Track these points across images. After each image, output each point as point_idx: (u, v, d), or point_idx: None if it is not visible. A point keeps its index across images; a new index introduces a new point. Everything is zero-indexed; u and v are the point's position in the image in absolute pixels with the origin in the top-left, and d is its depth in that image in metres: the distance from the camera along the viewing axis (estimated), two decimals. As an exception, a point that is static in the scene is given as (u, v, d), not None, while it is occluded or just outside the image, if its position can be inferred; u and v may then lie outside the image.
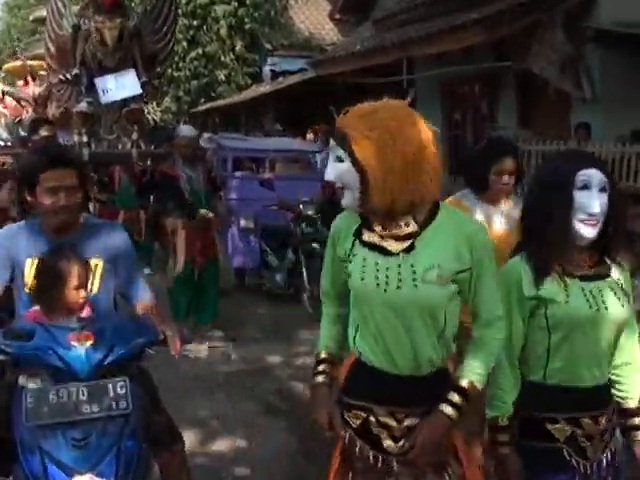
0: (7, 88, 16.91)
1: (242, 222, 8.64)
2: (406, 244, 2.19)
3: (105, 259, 3.07)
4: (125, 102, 7.96)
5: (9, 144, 13.41)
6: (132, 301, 3.24)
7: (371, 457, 2.31)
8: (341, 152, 2.18)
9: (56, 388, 2.44)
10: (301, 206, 8.27)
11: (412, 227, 2.20)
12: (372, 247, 2.23)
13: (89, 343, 2.50)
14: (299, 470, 4.42)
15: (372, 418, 2.31)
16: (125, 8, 8.32)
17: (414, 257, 2.17)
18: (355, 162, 2.13)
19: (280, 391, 5.81)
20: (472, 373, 2.24)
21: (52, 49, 8.47)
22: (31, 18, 14.35)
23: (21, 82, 15.49)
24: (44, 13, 11.69)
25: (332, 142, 2.27)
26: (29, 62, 14.51)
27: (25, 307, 2.94)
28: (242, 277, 9.03)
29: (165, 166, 7.18)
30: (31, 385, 2.50)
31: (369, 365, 2.30)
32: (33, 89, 12.42)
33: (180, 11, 12.48)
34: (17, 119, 14.92)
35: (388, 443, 2.29)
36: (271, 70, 18.48)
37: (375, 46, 11.58)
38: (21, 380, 2.53)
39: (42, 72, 12.87)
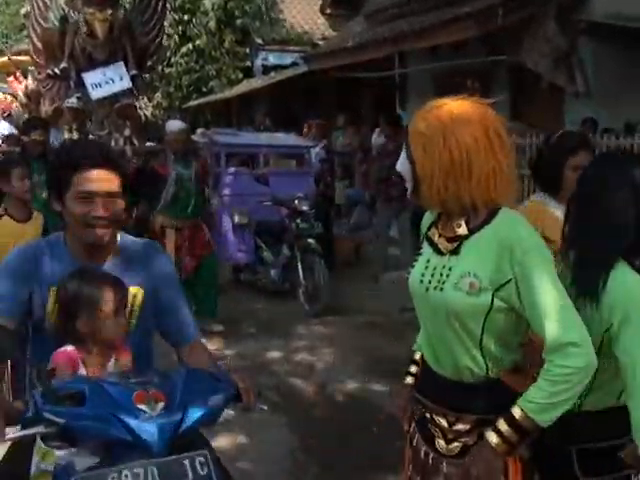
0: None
1: (236, 218, 8.62)
2: (454, 246, 2.16)
3: (146, 289, 2.43)
4: (116, 97, 7.81)
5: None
6: (180, 341, 2.53)
7: (422, 453, 2.31)
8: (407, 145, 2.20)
9: (117, 469, 1.80)
10: (296, 202, 8.26)
11: (462, 230, 2.15)
12: (431, 243, 2.24)
13: (160, 406, 1.90)
14: (299, 465, 4.45)
15: (428, 415, 2.29)
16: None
17: (456, 261, 2.13)
18: (409, 155, 2.16)
19: (278, 387, 5.80)
20: (528, 402, 2.01)
21: (38, 43, 8.27)
22: (22, 12, 14.12)
23: (11, 78, 15.43)
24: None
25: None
26: (15, 57, 14.44)
27: (45, 346, 2.29)
28: (237, 273, 9.02)
29: (156, 164, 7.14)
30: (79, 465, 1.84)
31: (426, 363, 2.31)
32: (26, 85, 12.32)
33: (169, 5, 12.35)
34: (6, 114, 14.87)
35: (440, 443, 2.26)
36: (262, 65, 18.44)
37: (367, 41, 11.56)
38: (60, 454, 1.90)
39: (32, 68, 12.83)
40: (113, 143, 7.77)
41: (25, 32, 34.17)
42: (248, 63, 18.74)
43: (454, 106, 2.14)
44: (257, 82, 17.46)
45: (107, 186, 2.29)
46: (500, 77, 10.55)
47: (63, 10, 7.91)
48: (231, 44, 18.43)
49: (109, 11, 7.63)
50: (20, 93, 14.43)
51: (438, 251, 2.19)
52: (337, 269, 9.02)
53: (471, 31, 9.16)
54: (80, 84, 7.78)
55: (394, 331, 7.24)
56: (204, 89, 18.79)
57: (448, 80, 11.57)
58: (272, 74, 17.61)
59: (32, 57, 8.66)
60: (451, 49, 10.42)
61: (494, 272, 2.05)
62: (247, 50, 18.69)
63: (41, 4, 8.04)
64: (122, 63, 7.73)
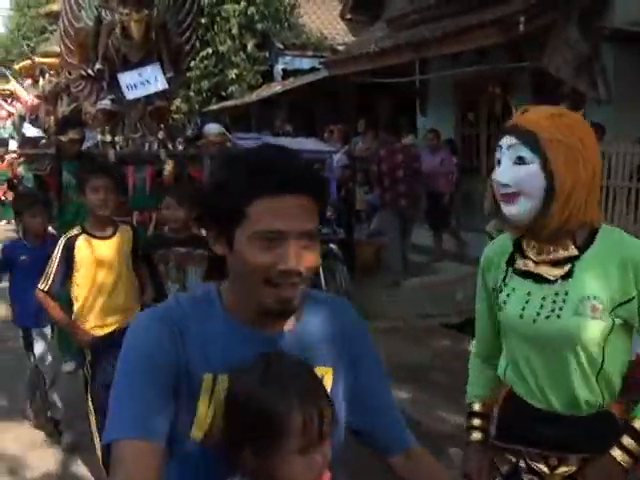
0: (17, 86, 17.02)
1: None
2: (564, 270, 2.00)
3: (337, 369, 1.61)
4: (150, 99, 7.55)
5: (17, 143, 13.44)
6: (391, 446, 1.69)
7: None
8: (526, 153, 1.93)
9: None
10: (317, 206, 8.28)
11: (571, 251, 2.00)
12: (526, 275, 2.05)
13: None
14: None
15: (522, 464, 2.10)
16: None
17: (571, 284, 1.98)
18: (545, 166, 1.91)
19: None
20: None
21: (69, 44, 7.96)
22: (42, 12, 14.16)
23: (29, 81, 15.56)
24: (55, 7, 11.55)
25: (510, 140, 1.98)
26: (40, 60, 14.50)
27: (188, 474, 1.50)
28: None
29: (192, 169, 7.05)
30: None
31: (521, 400, 2.11)
32: (42, 85, 12.41)
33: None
34: (33, 116, 14.97)
35: None
36: (282, 69, 18.49)
37: (389, 46, 11.58)
38: None
39: (51, 70, 12.91)
40: (147, 146, 7.63)
41: (46, 34, 34.54)
42: (268, 68, 18.78)
43: (576, 116, 2.02)
44: (277, 87, 17.51)
45: (303, 222, 1.44)
46: (521, 83, 10.53)
47: (97, 10, 7.63)
48: (251, 49, 18.50)
49: (145, 11, 7.35)
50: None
51: (542, 280, 2.02)
52: (357, 274, 9.05)
53: (494, 38, 9.17)
54: (114, 86, 7.55)
55: (414, 337, 7.28)
56: (224, 93, 18.87)
57: (469, 86, 11.61)
58: (292, 79, 17.65)
59: (63, 58, 8.32)
60: (473, 55, 10.42)
61: (616, 292, 1.94)
62: (267, 55, 18.75)
63: (74, 4, 7.75)
64: (158, 64, 7.47)
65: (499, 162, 2.02)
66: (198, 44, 18.43)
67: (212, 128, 7.15)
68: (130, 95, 7.39)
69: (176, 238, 4.47)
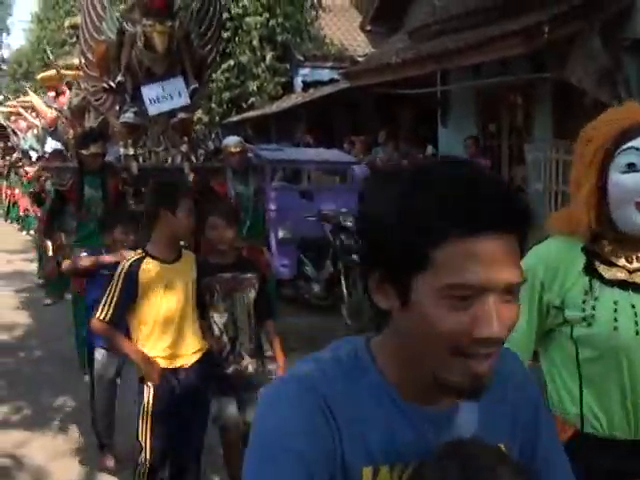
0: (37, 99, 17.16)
1: (280, 233, 8.69)
2: None
3: (510, 447, 1.26)
4: (173, 111, 7.42)
5: (46, 156, 13.51)
6: None
7: None
8: None
9: None
10: (340, 217, 8.31)
11: None
12: (621, 285, 1.86)
13: None
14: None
15: None
16: (175, 10, 7.52)
17: None
18: None
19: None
20: None
21: (90, 56, 7.80)
22: (66, 24, 14.14)
23: (52, 93, 15.65)
24: (80, 20, 11.54)
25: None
26: (64, 71, 14.55)
27: None
28: (280, 288, 9.06)
29: (215, 182, 6.96)
30: None
31: (598, 437, 1.89)
32: (69, 99, 12.42)
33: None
34: (52, 129, 15.08)
35: None
36: (302, 81, 18.56)
37: (411, 58, 11.57)
38: None
39: (76, 82, 12.96)
40: (170, 159, 7.52)
41: (67, 47, 34.81)
42: (288, 79, 18.85)
43: None
44: (297, 98, 17.57)
45: (510, 272, 1.05)
46: (543, 93, 10.49)
47: (119, 22, 7.49)
48: (272, 61, 18.59)
49: (168, 23, 7.16)
50: (65, 108, 14.56)
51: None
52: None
53: (518, 48, 9.13)
54: (136, 98, 7.41)
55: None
56: (244, 105, 18.95)
57: (491, 96, 11.59)
58: (312, 90, 17.72)
59: (83, 70, 8.16)
60: (494, 65, 10.40)
61: None
62: (287, 66, 18.83)
63: (94, 16, 7.63)
64: (181, 79, 7.35)
65: (633, 165, 1.82)
66: (219, 56, 18.65)
67: (231, 139, 7.17)
68: (153, 110, 7.28)
69: (222, 263, 4.03)
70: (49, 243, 10.19)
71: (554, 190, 7.89)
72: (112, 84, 7.40)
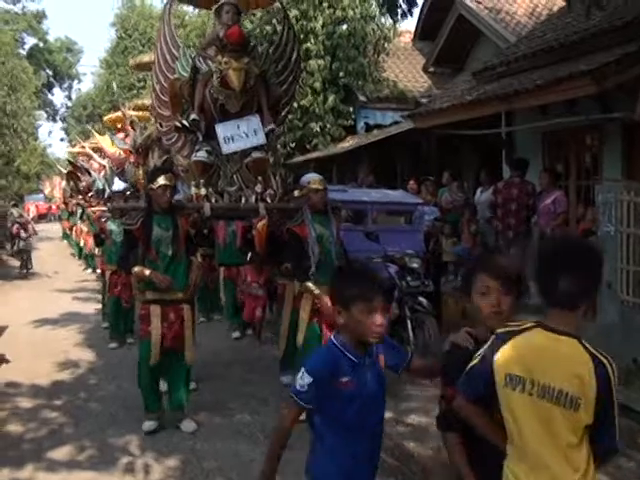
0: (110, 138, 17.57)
1: (345, 274, 8.61)
2: None
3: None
4: (247, 150, 7.21)
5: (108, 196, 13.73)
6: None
7: None
8: None
9: None
10: (406, 259, 8.22)
11: None
12: None
13: None
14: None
15: None
16: (251, 47, 7.34)
17: None
18: None
19: (391, 449, 5.68)
20: None
21: (162, 95, 7.70)
22: (131, 62, 14.41)
23: (121, 135, 16.02)
24: (146, 59, 11.67)
25: None
26: (129, 112, 14.86)
27: None
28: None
29: (292, 224, 6.66)
30: None
31: None
32: (134, 138, 12.62)
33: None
34: (119, 169, 15.39)
35: None
36: (365, 122, 18.63)
37: (477, 98, 11.51)
38: None
39: (141, 123, 13.20)
40: (244, 200, 7.35)
41: (134, 91, 35.78)
42: (351, 121, 18.95)
43: None
44: (359, 139, 17.63)
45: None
46: (613, 133, 10.29)
47: (192, 60, 7.35)
48: (335, 103, 18.72)
49: (245, 59, 6.98)
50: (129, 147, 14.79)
51: None
52: (444, 327, 8.88)
53: (586, 89, 8.99)
54: (209, 137, 7.25)
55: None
56: (307, 146, 19.10)
57: (558, 137, 11.42)
58: (375, 131, 17.77)
59: (155, 110, 8.04)
60: (561, 105, 10.25)
61: None
62: (350, 108, 18.93)
63: (168, 55, 7.55)
64: (257, 117, 7.14)
65: None
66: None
67: (312, 176, 6.69)
68: (227, 149, 7.12)
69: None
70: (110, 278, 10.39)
71: (625, 232, 7.67)
72: (185, 122, 7.28)
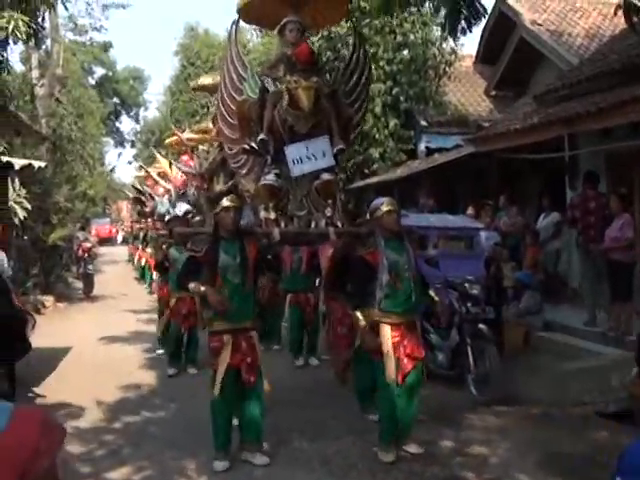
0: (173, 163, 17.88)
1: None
2: None
3: None
4: (316, 173, 6.94)
5: (167, 219, 13.79)
6: None
7: None
8: None
9: None
10: (466, 285, 8.13)
11: None
12: None
13: None
14: None
15: None
16: (320, 66, 7.07)
17: None
18: None
19: (448, 479, 5.61)
20: None
21: (229, 117, 7.46)
22: (192, 84, 14.53)
23: (186, 157, 16.29)
24: (207, 81, 11.73)
25: None
26: (184, 135, 15.08)
27: None
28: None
29: (366, 251, 6.29)
30: None
31: None
32: (199, 162, 12.71)
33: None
34: (182, 192, 15.59)
35: None
36: (426, 147, 18.57)
37: (539, 122, 11.39)
38: None
39: (201, 145, 13.36)
40: (313, 224, 7.13)
41: (196, 118, 36.32)
42: (412, 146, 18.91)
43: None
44: (420, 164, 17.57)
45: None
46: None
47: (260, 80, 7.12)
48: (395, 127, 18.71)
49: (314, 78, 6.77)
50: (193, 171, 14.91)
51: None
52: (506, 355, 8.73)
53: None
54: (278, 160, 6.99)
55: (570, 425, 6.87)
56: (367, 171, 19.11)
57: (622, 160, 11.18)
58: (436, 155, 17.69)
59: (222, 133, 7.80)
60: (625, 128, 10.07)
61: None
62: (411, 133, 18.90)
63: (235, 76, 7.32)
64: (327, 138, 6.88)
65: None
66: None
67: (383, 199, 6.27)
68: (296, 171, 6.87)
69: None
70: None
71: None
72: (253, 145, 7.00)
